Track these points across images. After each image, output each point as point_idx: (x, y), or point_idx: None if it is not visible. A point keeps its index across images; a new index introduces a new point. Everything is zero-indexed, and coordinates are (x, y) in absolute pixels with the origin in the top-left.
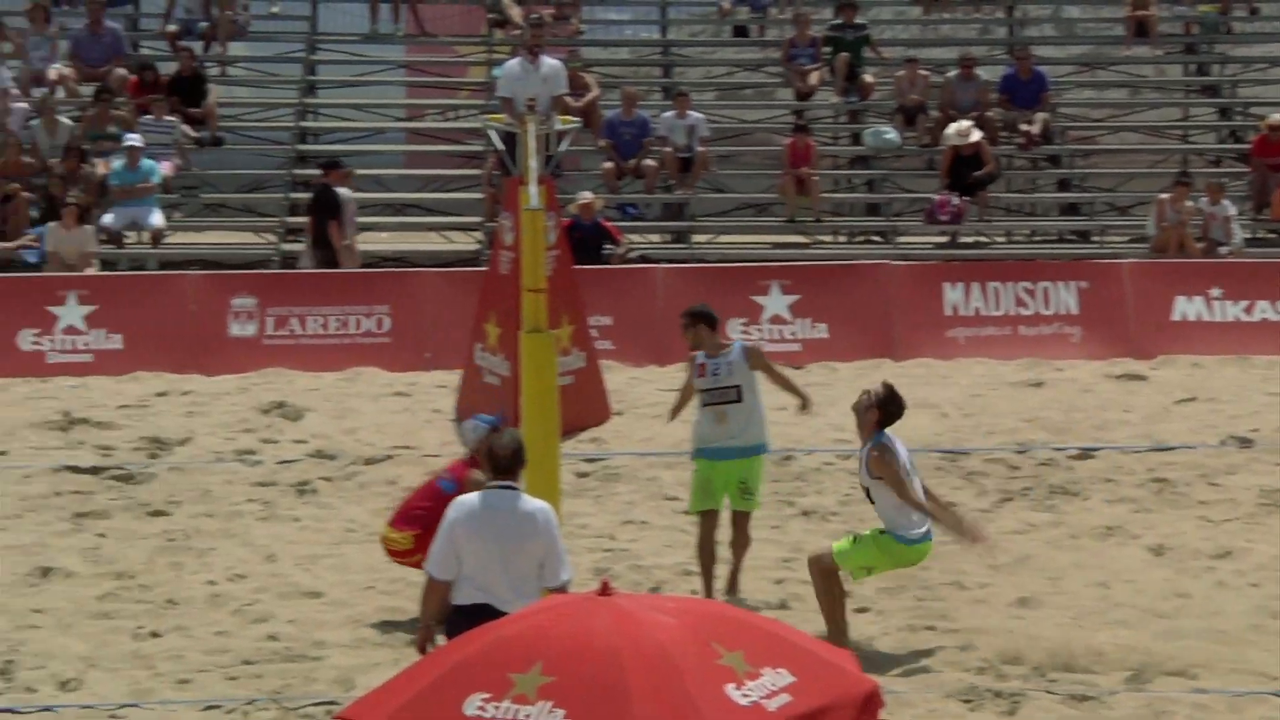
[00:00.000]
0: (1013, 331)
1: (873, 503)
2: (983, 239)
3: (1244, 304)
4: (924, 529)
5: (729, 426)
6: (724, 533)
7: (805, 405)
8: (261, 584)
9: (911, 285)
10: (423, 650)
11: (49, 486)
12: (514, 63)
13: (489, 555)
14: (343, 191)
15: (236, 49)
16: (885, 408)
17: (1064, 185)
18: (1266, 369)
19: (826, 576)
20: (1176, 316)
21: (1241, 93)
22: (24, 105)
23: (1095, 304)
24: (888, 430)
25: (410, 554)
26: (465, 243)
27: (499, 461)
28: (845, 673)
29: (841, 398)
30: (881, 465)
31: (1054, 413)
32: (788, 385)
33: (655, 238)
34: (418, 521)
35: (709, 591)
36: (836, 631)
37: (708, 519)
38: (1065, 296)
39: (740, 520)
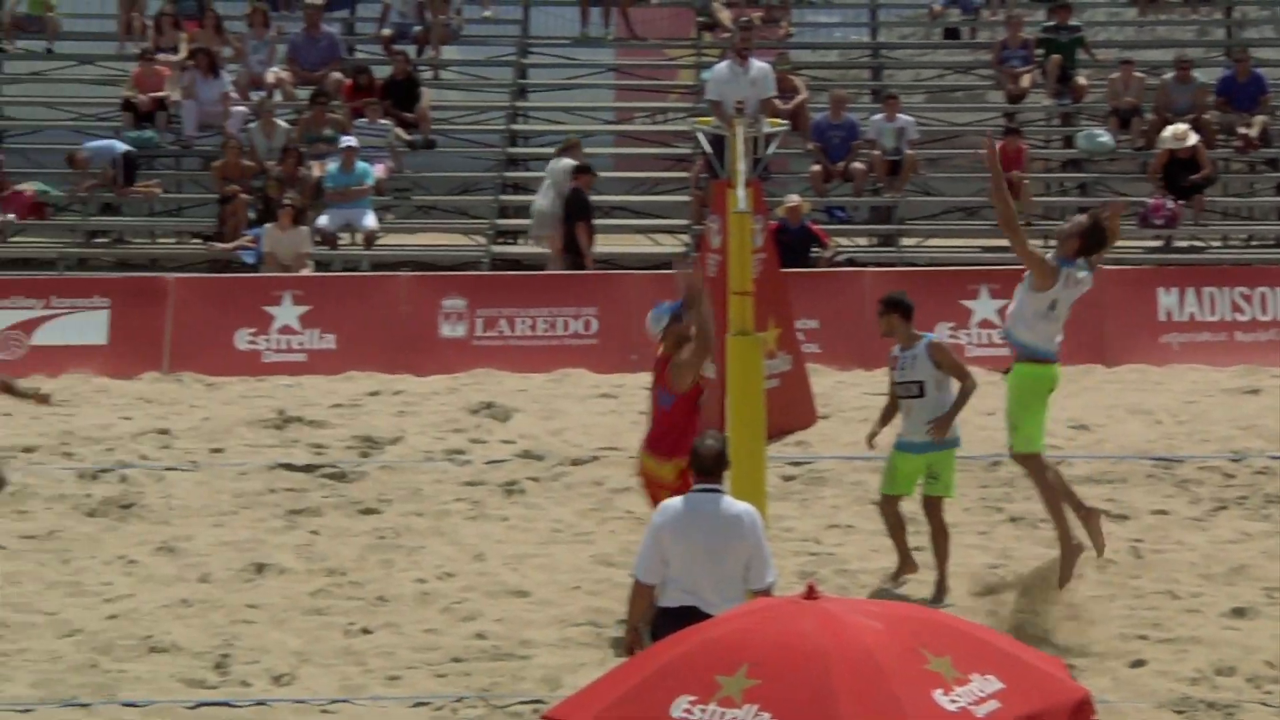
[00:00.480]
0: (1228, 337)
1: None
2: (1198, 243)
3: None
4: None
5: (912, 421)
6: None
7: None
8: (470, 582)
9: (1125, 289)
10: (630, 652)
11: (264, 484)
12: (722, 66)
13: (695, 558)
14: None
15: (449, 53)
16: (1086, 237)
17: None
18: None
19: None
20: None
21: None
22: (243, 108)
23: None
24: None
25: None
26: (672, 245)
27: (703, 463)
28: (1055, 680)
29: (1053, 403)
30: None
31: (1270, 420)
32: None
33: (863, 241)
34: (669, 449)
35: (904, 560)
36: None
37: (889, 500)
38: None
39: (932, 507)
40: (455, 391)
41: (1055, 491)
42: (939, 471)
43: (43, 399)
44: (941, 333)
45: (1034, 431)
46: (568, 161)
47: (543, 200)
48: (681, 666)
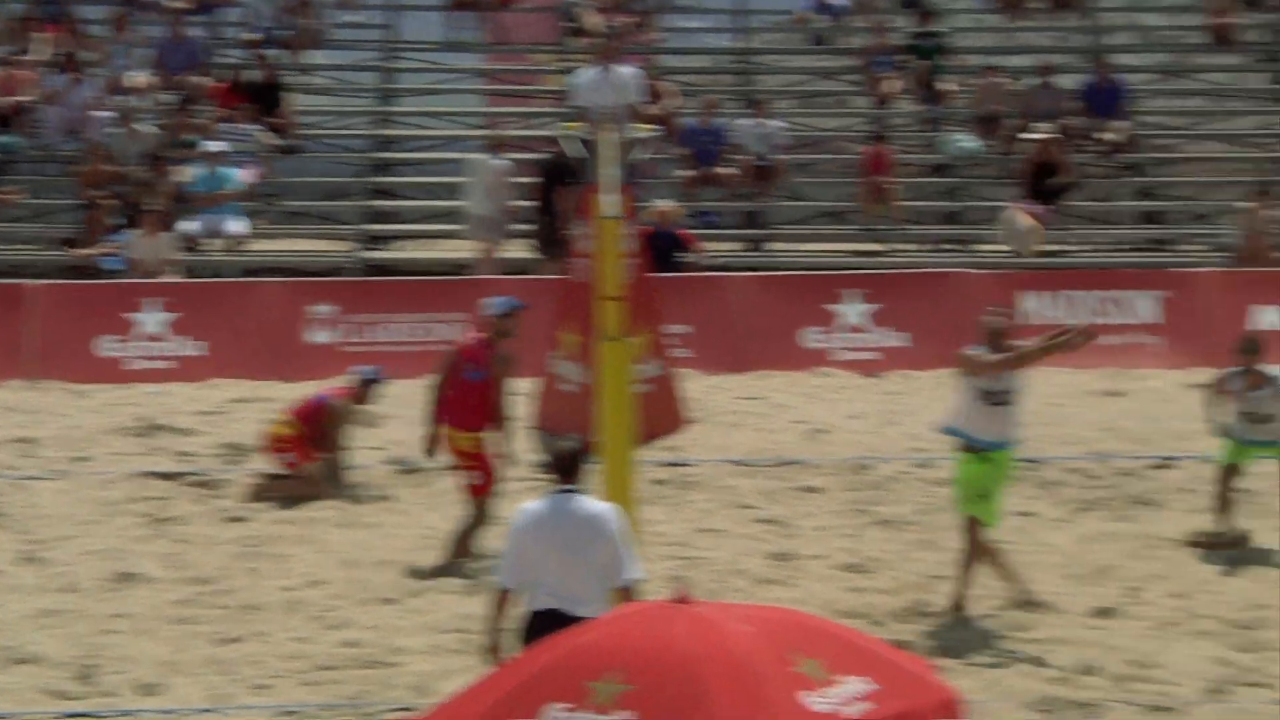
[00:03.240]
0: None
1: None
2: (1061, 248)
3: None
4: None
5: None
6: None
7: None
8: (339, 590)
9: (990, 293)
10: (494, 661)
11: (129, 492)
12: (590, 71)
13: (557, 559)
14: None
15: (315, 57)
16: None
17: (1143, 194)
18: None
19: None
20: (1256, 326)
21: None
22: (106, 113)
23: (1175, 313)
24: None
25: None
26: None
27: (560, 464)
28: (924, 681)
29: (922, 407)
30: None
31: (1133, 422)
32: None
33: (732, 245)
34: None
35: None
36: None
37: None
38: (1145, 305)
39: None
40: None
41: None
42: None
43: None
44: (810, 337)
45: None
46: (494, 161)
47: (475, 204)
48: (552, 673)
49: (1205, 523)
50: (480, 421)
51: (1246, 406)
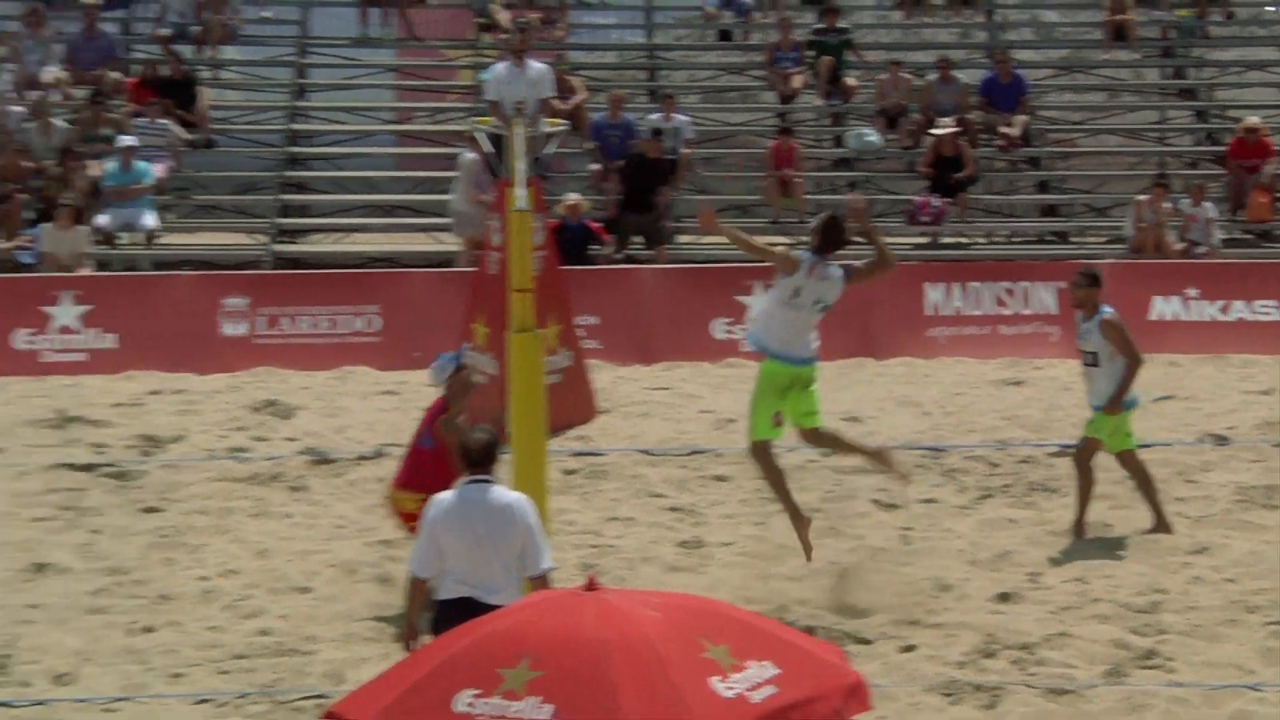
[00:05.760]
0: (993, 331)
1: None
2: (963, 240)
3: (1220, 304)
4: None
5: (1093, 388)
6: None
7: None
8: (253, 580)
9: (893, 285)
10: (409, 647)
11: (43, 484)
12: (501, 66)
13: (469, 549)
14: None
15: (228, 53)
16: (823, 233)
17: (1043, 187)
18: (1242, 367)
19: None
20: (1154, 316)
21: (1218, 96)
22: (19, 108)
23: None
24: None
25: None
26: (454, 243)
27: (472, 456)
28: (830, 665)
29: (825, 396)
30: None
31: (1033, 410)
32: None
33: (640, 239)
34: (419, 486)
35: (1082, 510)
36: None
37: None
38: (1044, 296)
39: (1126, 459)
40: (238, 390)
41: (777, 477)
42: (1120, 429)
43: None
44: (719, 329)
45: (757, 422)
46: (473, 156)
47: (457, 198)
48: (464, 660)
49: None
50: (430, 487)
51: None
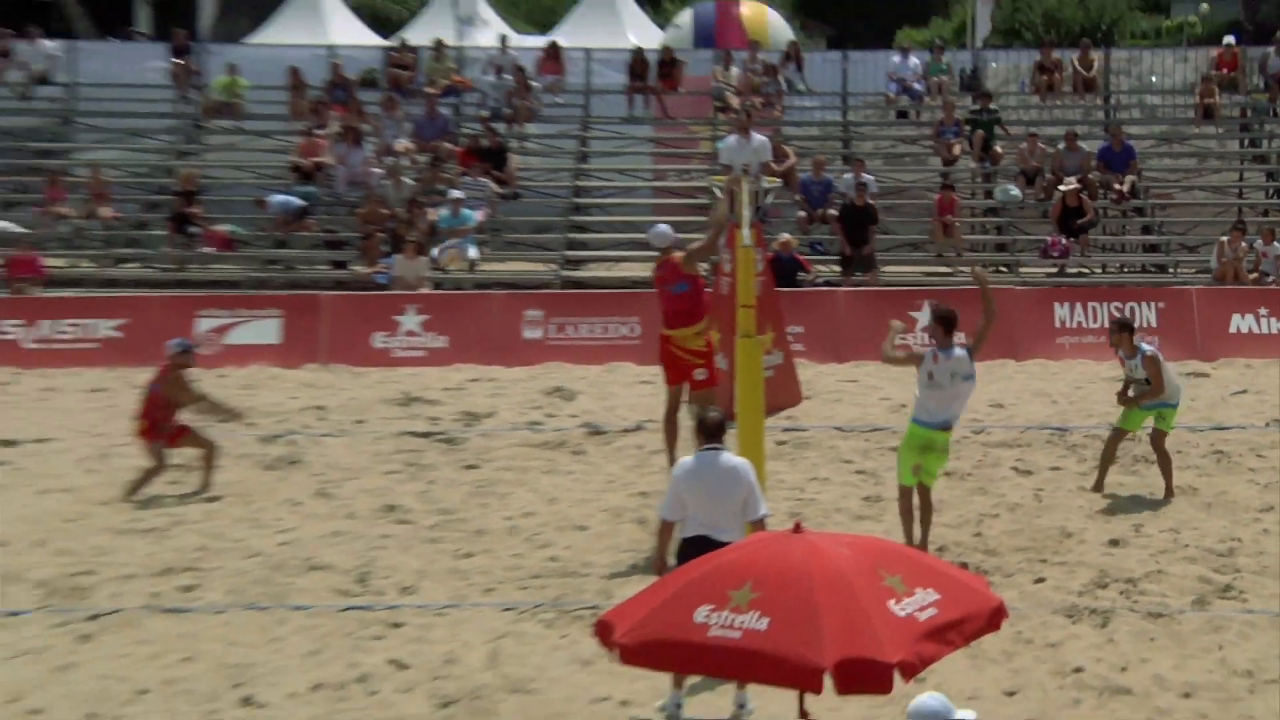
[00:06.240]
0: (1106, 340)
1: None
2: (1084, 270)
3: None
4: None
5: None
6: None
7: None
8: (545, 520)
9: (1030, 304)
10: (659, 573)
11: (393, 446)
12: (732, 138)
13: (705, 499)
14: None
15: (530, 129)
16: (940, 323)
17: (1146, 230)
18: None
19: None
20: (1233, 330)
21: None
22: (378, 170)
23: (1170, 319)
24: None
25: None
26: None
27: (708, 429)
28: (978, 592)
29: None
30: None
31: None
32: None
33: (837, 267)
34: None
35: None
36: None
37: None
38: (1147, 313)
39: (1156, 439)
40: (534, 379)
41: (907, 511)
42: (1165, 416)
43: (236, 416)
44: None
45: (901, 470)
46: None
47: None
48: (701, 583)
49: (1191, 477)
50: (693, 319)
51: (1127, 374)
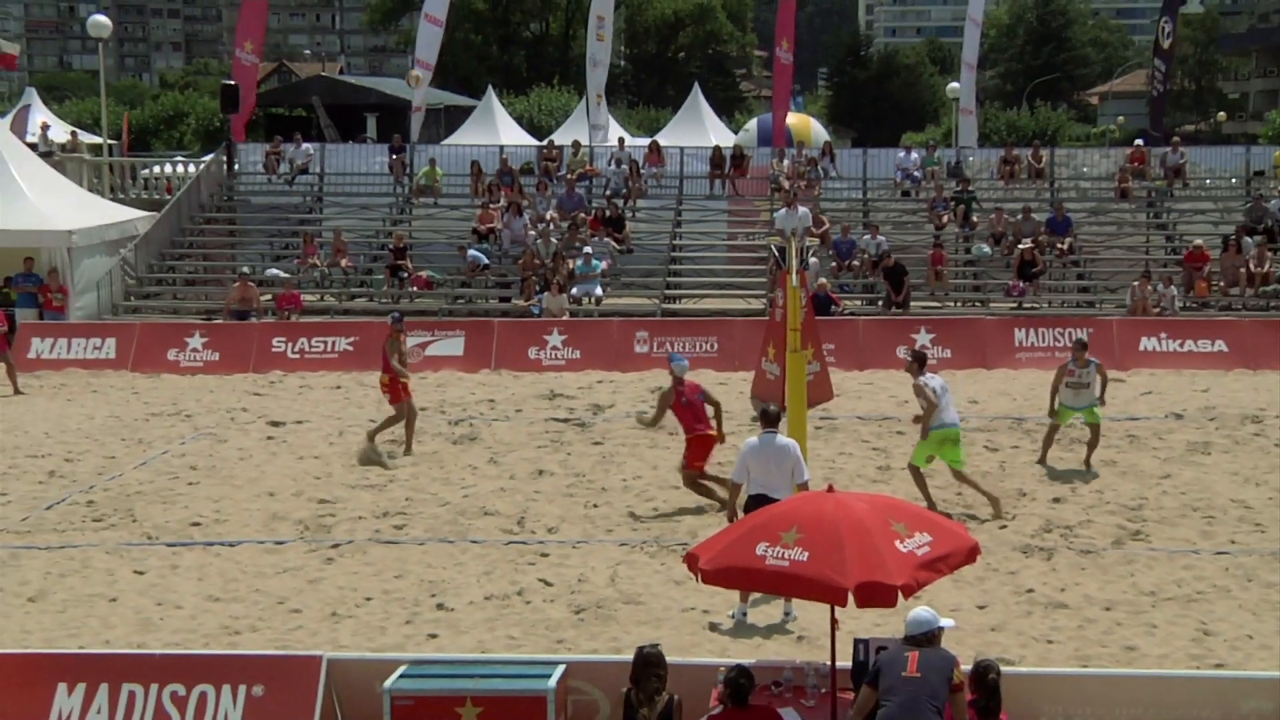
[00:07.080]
0: (1051, 355)
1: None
2: (1036, 306)
3: (1179, 341)
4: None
5: (1086, 396)
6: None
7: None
8: (649, 481)
9: (997, 330)
10: (731, 520)
11: (542, 429)
12: (783, 210)
13: (764, 468)
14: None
15: (641, 203)
16: (914, 359)
17: (1080, 277)
18: (1191, 378)
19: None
20: (1142, 349)
21: (1180, 229)
22: (533, 233)
23: (1097, 341)
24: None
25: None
26: (757, 304)
27: (768, 419)
28: (960, 535)
29: (959, 389)
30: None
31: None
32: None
33: (859, 302)
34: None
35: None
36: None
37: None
38: (1080, 336)
39: (1093, 430)
40: (642, 381)
41: (922, 482)
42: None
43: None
44: (900, 351)
45: (917, 455)
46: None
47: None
48: (761, 527)
49: (1111, 454)
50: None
51: (1073, 381)
